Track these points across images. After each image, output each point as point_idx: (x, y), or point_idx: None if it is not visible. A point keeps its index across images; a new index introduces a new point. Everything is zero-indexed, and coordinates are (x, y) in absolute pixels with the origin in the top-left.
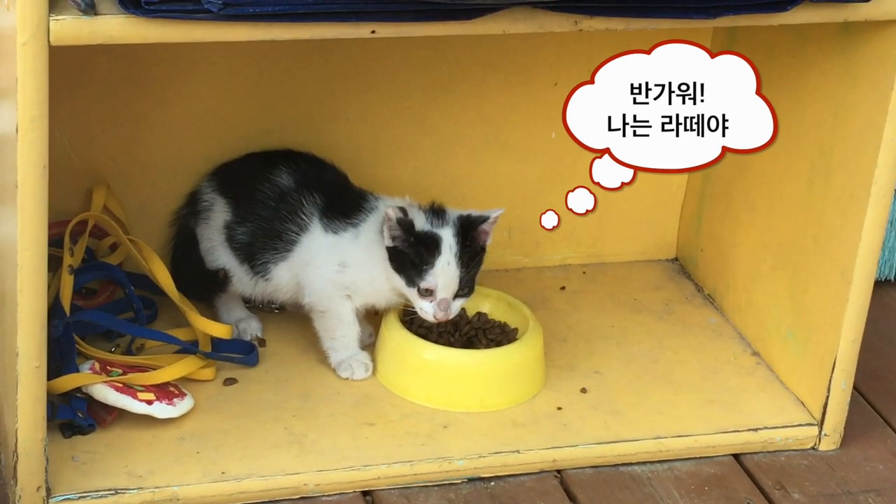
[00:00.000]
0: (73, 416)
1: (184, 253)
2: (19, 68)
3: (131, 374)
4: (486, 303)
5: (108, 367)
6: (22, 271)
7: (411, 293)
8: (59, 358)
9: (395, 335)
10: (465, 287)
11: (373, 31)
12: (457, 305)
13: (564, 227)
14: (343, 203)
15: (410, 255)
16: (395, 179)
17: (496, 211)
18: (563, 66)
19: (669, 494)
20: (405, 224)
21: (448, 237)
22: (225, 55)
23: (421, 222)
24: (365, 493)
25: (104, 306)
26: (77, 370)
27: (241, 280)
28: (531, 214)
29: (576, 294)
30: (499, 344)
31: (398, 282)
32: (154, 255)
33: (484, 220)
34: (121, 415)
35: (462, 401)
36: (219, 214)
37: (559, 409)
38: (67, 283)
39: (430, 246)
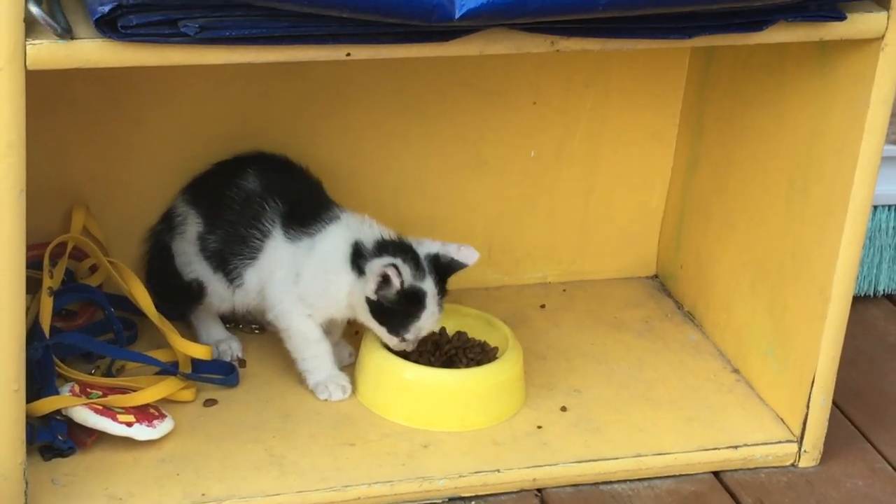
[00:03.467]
0: (52, 439)
1: (159, 265)
2: None
3: (111, 396)
4: (466, 322)
5: (88, 390)
6: (0, 293)
7: (385, 335)
8: (39, 380)
9: (374, 355)
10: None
11: (348, 54)
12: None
13: (544, 245)
14: (305, 212)
15: (394, 309)
16: (375, 198)
17: (472, 255)
18: (542, 84)
19: None
20: (397, 288)
21: (430, 288)
22: (203, 76)
23: (407, 277)
24: None
25: (84, 328)
26: (57, 392)
27: (219, 292)
28: (511, 233)
29: (556, 312)
30: (479, 363)
31: (376, 328)
32: (134, 276)
33: (462, 266)
34: (101, 437)
35: (442, 420)
36: (192, 227)
37: (539, 427)
38: (47, 305)
39: (414, 301)
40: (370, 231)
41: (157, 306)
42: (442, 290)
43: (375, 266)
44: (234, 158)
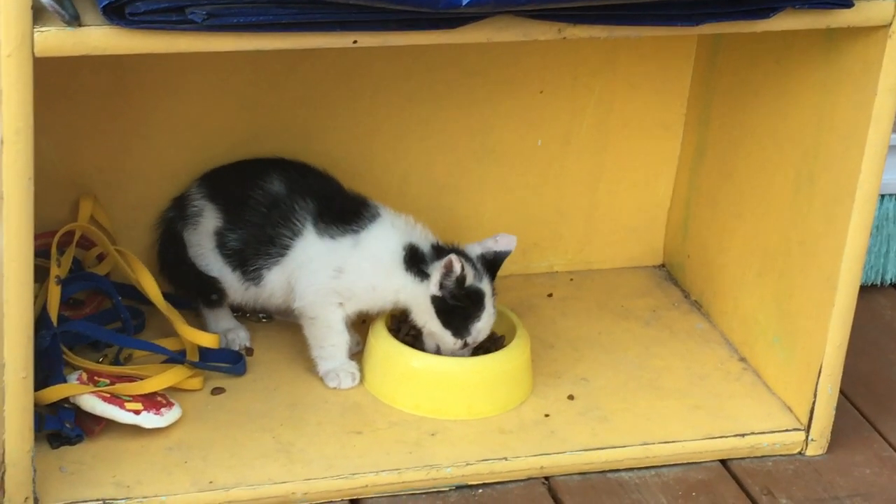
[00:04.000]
0: (60, 427)
1: (175, 256)
2: (4, 80)
3: (119, 385)
4: None
5: (96, 378)
6: (8, 282)
7: (448, 337)
8: (47, 368)
9: (382, 343)
10: None
11: (355, 41)
12: None
13: (552, 234)
14: (340, 209)
15: (457, 308)
16: (383, 186)
17: (511, 241)
18: (549, 73)
19: (657, 500)
20: (460, 279)
21: (487, 288)
22: (211, 65)
23: (470, 276)
24: (353, 502)
25: (91, 317)
26: (64, 381)
27: (232, 286)
28: (518, 222)
29: (563, 301)
30: (486, 351)
31: (440, 329)
32: (141, 265)
33: (506, 255)
34: (108, 425)
35: (449, 408)
36: (209, 221)
37: (546, 416)
38: (54, 293)
39: (476, 301)
40: (422, 234)
41: (165, 295)
42: (493, 290)
43: (439, 261)
44: (253, 160)
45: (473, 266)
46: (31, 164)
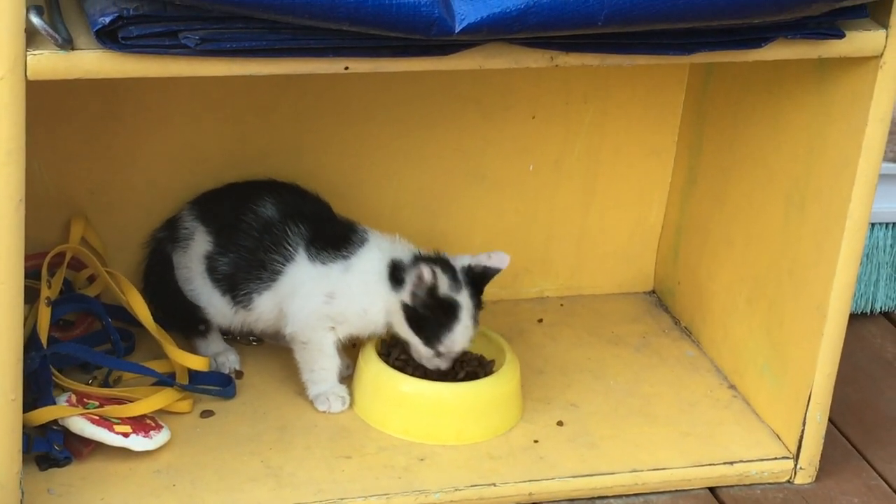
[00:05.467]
0: (49, 449)
1: (160, 277)
2: None
3: (108, 407)
4: None
5: (85, 400)
6: None
7: (420, 346)
8: (36, 390)
9: (372, 367)
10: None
11: (346, 67)
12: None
13: (542, 259)
14: (331, 234)
15: (428, 317)
16: (375, 211)
17: (504, 259)
18: (541, 99)
19: None
20: (431, 288)
21: (465, 301)
22: (203, 88)
23: (444, 286)
24: None
25: (81, 338)
26: (54, 402)
27: (220, 311)
28: (509, 247)
29: (553, 327)
30: (476, 376)
31: (412, 338)
32: (132, 287)
33: (496, 272)
34: (97, 447)
35: (439, 433)
36: (199, 244)
37: (535, 441)
38: (45, 314)
39: (449, 313)
40: (404, 248)
41: (155, 317)
42: (478, 304)
43: (413, 269)
44: (246, 183)
45: (453, 277)
46: (23, 185)
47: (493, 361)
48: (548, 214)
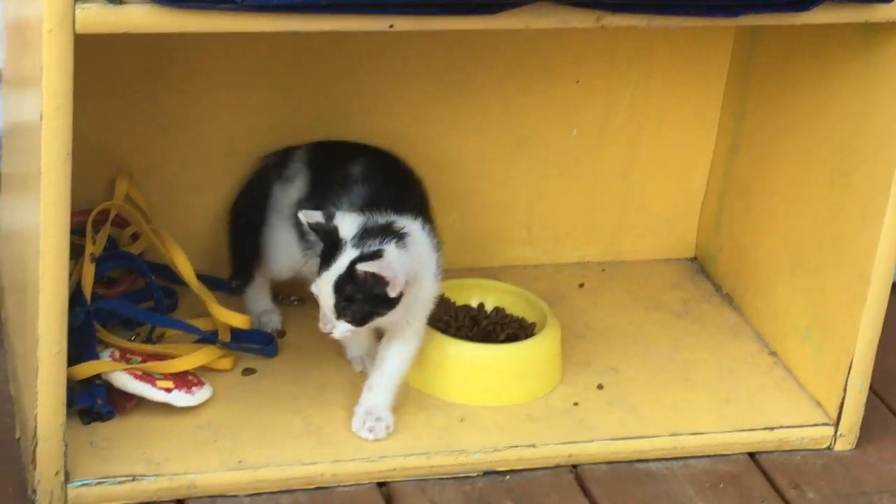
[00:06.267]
0: (92, 403)
1: (248, 206)
2: (45, 56)
3: (151, 363)
4: (504, 298)
5: (128, 355)
6: (44, 258)
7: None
8: (80, 345)
9: None
10: (348, 314)
11: (391, 25)
12: (341, 328)
13: (584, 224)
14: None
15: (324, 251)
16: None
17: (375, 265)
18: (586, 64)
19: (684, 491)
20: (327, 230)
21: (345, 259)
22: (249, 47)
23: (346, 231)
24: (380, 485)
25: (125, 295)
26: (97, 357)
27: (289, 256)
28: (551, 211)
29: (594, 291)
30: (516, 339)
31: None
32: (175, 244)
33: (359, 260)
34: (139, 402)
35: (479, 395)
36: (296, 189)
37: (575, 404)
38: (89, 271)
39: (331, 254)
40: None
41: (198, 275)
42: (348, 280)
43: None
44: (357, 144)
45: (367, 232)
46: (70, 140)
47: (534, 324)
48: (590, 179)
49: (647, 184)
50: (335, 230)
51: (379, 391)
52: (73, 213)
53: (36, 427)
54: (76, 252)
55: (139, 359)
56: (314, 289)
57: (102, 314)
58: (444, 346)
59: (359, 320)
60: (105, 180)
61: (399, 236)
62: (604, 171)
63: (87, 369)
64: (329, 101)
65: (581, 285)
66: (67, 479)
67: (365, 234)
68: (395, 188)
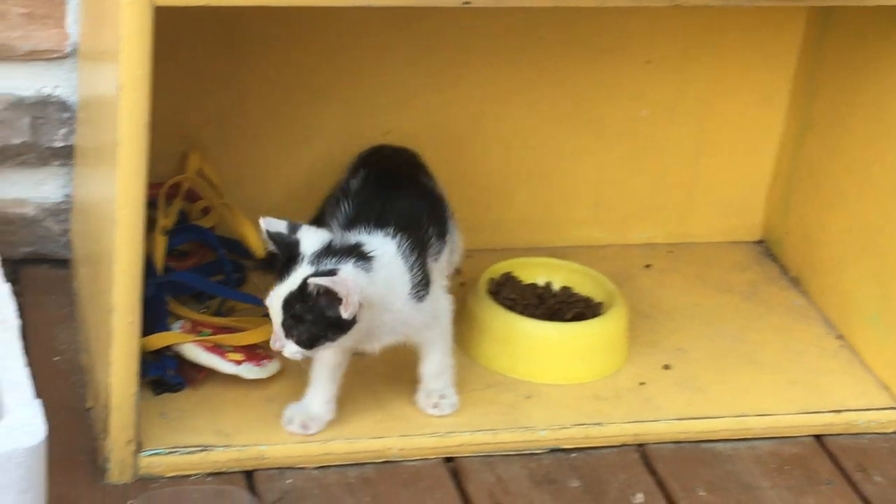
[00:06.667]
0: (162, 374)
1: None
2: (124, 27)
3: (221, 335)
4: (571, 277)
5: (199, 328)
6: (120, 228)
7: None
8: (151, 317)
9: (480, 306)
10: (294, 336)
11: (466, 2)
12: (291, 348)
13: (651, 205)
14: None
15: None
16: (484, 151)
17: (327, 280)
18: (656, 43)
19: (750, 472)
20: (287, 241)
21: (298, 276)
22: (324, 24)
23: (308, 247)
24: (447, 460)
25: (195, 268)
26: (168, 329)
27: None
28: (618, 192)
29: (661, 272)
30: (583, 318)
31: None
32: (246, 220)
33: (310, 276)
34: (209, 374)
35: (545, 372)
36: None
37: (642, 384)
38: (160, 243)
39: (286, 268)
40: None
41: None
42: (300, 300)
43: None
44: (404, 151)
45: (324, 253)
46: (148, 111)
47: (601, 304)
48: (658, 160)
49: (715, 165)
50: (295, 244)
51: (436, 378)
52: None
53: (109, 396)
54: (147, 225)
55: (209, 331)
56: (267, 302)
57: (173, 287)
58: (512, 324)
59: (306, 342)
60: (177, 154)
61: (362, 257)
62: (672, 151)
63: (158, 340)
64: (399, 78)
65: (647, 266)
66: (139, 449)
67: (326, 252)
68: (383, 203)
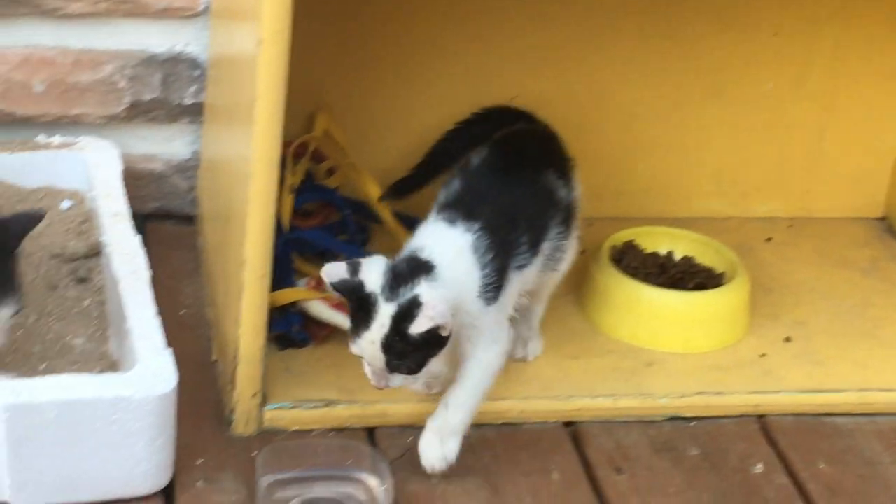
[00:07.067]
0: (288, 330)
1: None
2: None
3: None
4: (694, 247)
5: (323, 285)
6: (255, 182)
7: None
8: (277, 273)
9: (603, 273)
10: (403, 369)
11: None
12: (397, 380)
13: (774, 179)
14: None
15: (353, 309)
16: (610, 121)
17: (423, 321)
18: (785, 16)
19: (871, 447)
20: (351, 286)
21: (384, 315)
22: None
23: (373, 282)
24: (567, 424)
25: (320, 227)
26: (294, 285)
27: None
28: (740, 165)
29: (782, 246)
30: (705, 288)
31: None
32: (372, 180)
33: (400, 317)
34: (333, 332)
35: (666, 341)
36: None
37: (763, 355)
38: (287, 202)
39: (365, 312)
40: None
41: (394, 213)
42: (398, 335)
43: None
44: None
45: (394, 277)
46: (286, 66)
47: (722, 274)
48: (783, 134)
49: (839, 141)
50: (360, 285)
51: (455, 410)
52: None
53: (237, 349)
54: None
55: None
56: (355, 349)
57: (299, 244)
58: (635, 292)
59: (415, 369)
60: (305, 114)
61: (425, 269)
62: (797, 125)
63: (284, 296)
64: (528, 48)
65: (768, 240)
66: (264, 402)
67: (394, 281)
68: (485, 193)
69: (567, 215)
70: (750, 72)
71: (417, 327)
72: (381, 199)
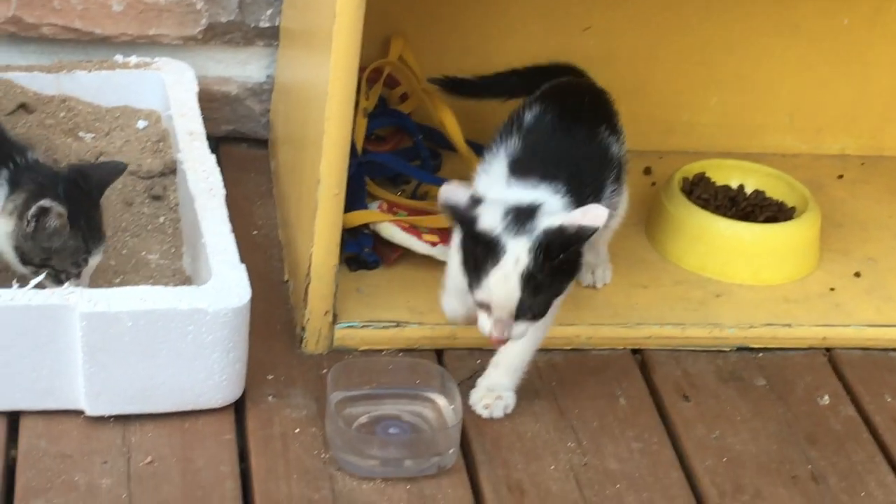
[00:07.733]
0: (359, 251)
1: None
2: None
3: (418, 216)
4: (765, 181)
5: (395, 209)
6: (332, 102)
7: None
8: (350, 195)
9: (673, 204)
10: (533, 310)
11: None
12: (520, 329)
13: (847, 116)
14: None
15: (471, 252)
16: (685, 54)
17: (598, 216)
18: None
19: None
20: (464, 217)
21: (518, 249)
22: None
23: (491, 220)
24: (634, 351)
25: (392, 152)
26: (366, 208)
27: None
28: (815, 100)
29: (853, 183)
30: (775, 221)
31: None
32: (446, 106)
33: (591, 231)
34: (404, 254)
35: (735, 272)
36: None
37: (832, 289)
38: (361, 125)
39: (488, 252)
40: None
41: (467, 140)
42: (544, 271)
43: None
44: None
45: (515, 212)
46: None
47: (793, 209)
48: (858, 71)
49: None
50: (473, 220)
51: (505, 370)
52: None
53: (310, 267)
54: None
55: (405, 213)
56: (482, 295)
57: (371, 168)
58: (706, 223)
59: (543, 309)
60: (380, 40)
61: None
62: (872, 63)
63: (357, 218)
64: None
65: (840, 177)
66: (335, 321)
67: (518, 216)
68: (555, 152)
69: (619, 172)
70: (825, 6)
71: (571, 220)
72: (431, 80)
